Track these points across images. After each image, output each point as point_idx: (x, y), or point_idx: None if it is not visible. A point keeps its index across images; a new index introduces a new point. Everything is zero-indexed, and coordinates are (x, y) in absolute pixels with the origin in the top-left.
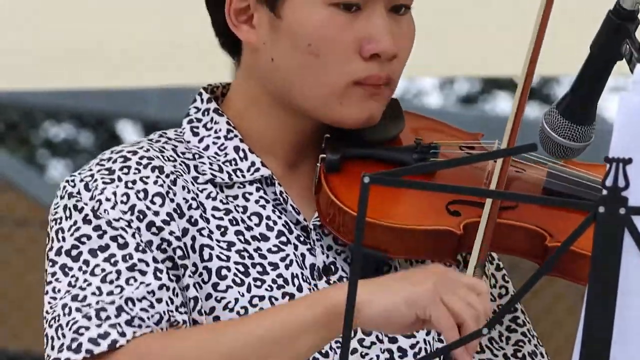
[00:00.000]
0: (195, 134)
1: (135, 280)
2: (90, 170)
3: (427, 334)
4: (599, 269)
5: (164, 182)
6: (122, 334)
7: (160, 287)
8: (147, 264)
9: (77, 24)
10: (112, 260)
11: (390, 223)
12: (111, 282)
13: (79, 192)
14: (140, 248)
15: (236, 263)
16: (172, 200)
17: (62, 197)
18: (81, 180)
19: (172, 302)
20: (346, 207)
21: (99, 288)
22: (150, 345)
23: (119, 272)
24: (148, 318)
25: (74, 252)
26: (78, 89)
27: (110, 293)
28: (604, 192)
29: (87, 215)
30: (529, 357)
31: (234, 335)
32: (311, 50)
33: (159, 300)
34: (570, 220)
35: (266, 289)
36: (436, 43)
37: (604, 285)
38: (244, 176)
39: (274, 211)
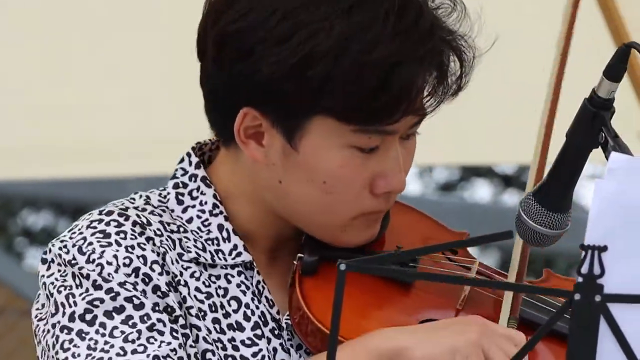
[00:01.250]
0: (180, 202)
1: (156, 339)
2: (82, 233)
3: None
4: (575, 355)
5: (159, 254)
6: None
7: (180, 346)
8: (164, 324)
9: (57, 117)
10: (131, 322)
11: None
12: (133, 341)
13: (74, 258)
14: (157, 308)
15: (215, 350)
16: (167, 273)
17: (58, 264)
18: (73, 245)
19: None
20: (315, 317)
21: (122, 348)
22: None
23: (139, 332)
24: None
25: (89, 317)
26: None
27: (134, 352)
28: (580, 279)
29: (95, 280)
30: None
31: None
32: (326, 188)
33: (181, 359)
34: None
35: None
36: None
37: None
38: (225, 259)
39: (253, 299)
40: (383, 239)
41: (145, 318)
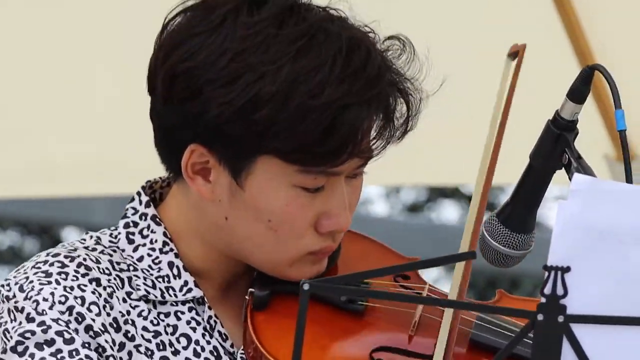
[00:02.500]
0: (131, 242)
1: None
2: (25, 273)
3: None
4: None
5: (101, 295)
6: None
7: None
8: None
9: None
10: (59, 355)
11: None
12: None
13: (14, 295)
14: (87, 346)
15: None
16: (108, 314)
17: (1, 301)
18: (16, 284)
19: None
20: (267, 350)
21: None
22: None
23: None
24: None
25: (20, 348)
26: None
27: None
28: (543, 300)
29: (29, 313)
30: None
31: None
32: (271, 225)
33: None
34: None
35: None
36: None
37: None
38: (176, 295)
39: (204, 335)
40: (336, 269)
41: (73, 353)
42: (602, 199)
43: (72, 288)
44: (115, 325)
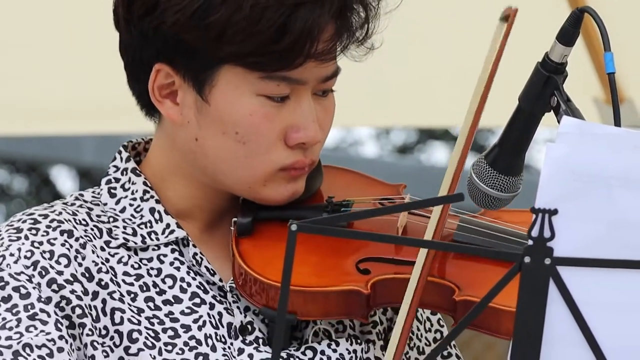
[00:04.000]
0: (113, 195)
1: (36, 328)
2: (0, 231)
3: None
4: (524, 319)
5: (72, 245)
6: None
7: (61, 338)
8: (49, 315)
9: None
10: (14, 310)
11: (296, 286)
12: (10, 328)
13: None
14: (43, 299)
15: (147, 328)
16: (80, 265)
17: None
18: None
19: (71, 355)
20: (255, 272)
21: None
22: None
23: (19, 320)
24: None
25: None
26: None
27: (8, 338)
28: (530, 242)
29: None
30: None
31: None
32: (239, 138)
33: (60, 350)
34: (481, 273)
35: (177, 353)
36: (373, 93)
37: (528, 335)
38: (158, 239)
39: (188, 272)
40: (320, 195)
41: (29, 307)
42: (591, 142)
43: (40, 243)
44: (87, 275)
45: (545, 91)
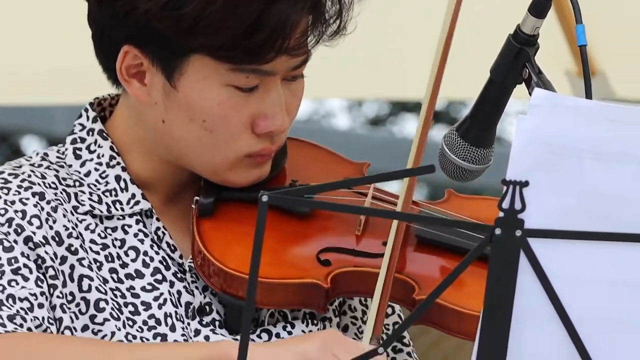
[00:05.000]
0: (78, 157)
1: (17, 283)
2: None
3: None
4: (494, 291)
5: (43, 208)
6: (2, 325)
7: (42, 294)
8: (31, 271)
9: None
10: None
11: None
12: None
13: None
14: (25, 255)
15: (112, 299)
16: (50, 227)
17: None
18: None
19: (50, 312)
20: (214, 258)
21: None
22: (29, 344)
23: (2, 272)
24: (31, 320)
25: None
26: None
27: None
28: (501, 214)
29: None
30: None
31: None
32: (206, 126)
33: (41, 306)
34: (445, 271)
35: (137, 330)
36: (345, 65)
37: (498, 308)
38: (123, 209)
39: (152, 246)
40: (284, 174)
41: (12, 261)
42: (562, 114)
43: (13, 202)
44: (57, 239)
45: (516, 63)
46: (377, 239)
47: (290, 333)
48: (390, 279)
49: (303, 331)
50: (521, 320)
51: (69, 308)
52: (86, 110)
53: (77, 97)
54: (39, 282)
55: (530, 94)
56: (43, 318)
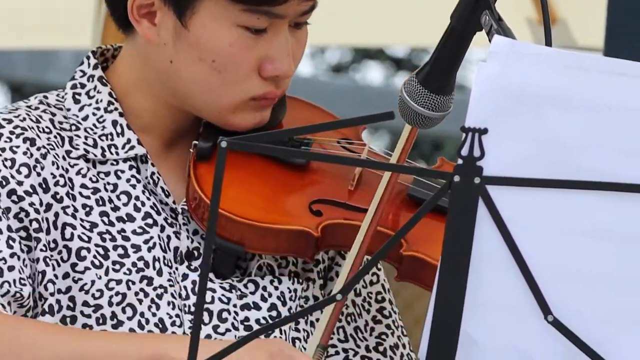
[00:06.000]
0: (77, 102)
1: None
2: None
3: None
4: (452, 239)
5: (33, 154)
6: None
7: (12, 256)
8: (1, 232)
9: None
10: None
11: (248, 220)
12: None
13: None
14: (5, 211)
15: (97, 245)
16: (38, 174)
17: None
18: None
19: (22, 272)
20: (208, 199)
21: None
22: None
23: None
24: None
25: None
26: None
27: None
28: (460, 161)
29: None
30: (390, 350)
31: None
32: (215, 66)
33: (11, 269)
34: (432, 230)
35: (125, 273)
36: None
37: (457, 255)
38: (117, 153)
39: (144, 191)
40: (280, 127)
41: None
42: (521, 62)
43: (3, 150)
44: (44, 186)
45: (477, 10)
46: (368, 194)
47: (276, 288)
48: (372, 231)
49: (289, 288)
50: (479, 267)
51: (52, 256)
52: (88, 57)
53: (39, 41)
54: (10, 242)
55: (490, 42)
56: (13, 280)
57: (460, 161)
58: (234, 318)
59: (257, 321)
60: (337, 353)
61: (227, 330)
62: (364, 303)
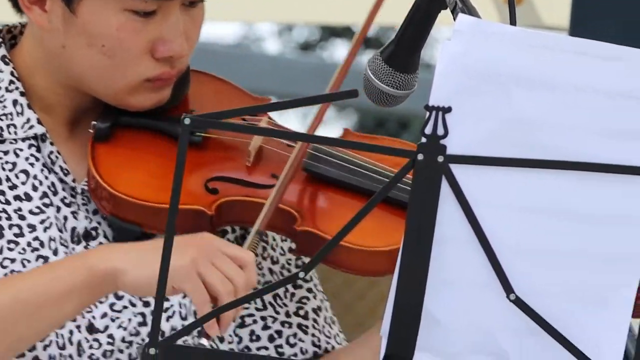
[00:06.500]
0: None
1: None
2: None
3: (183, 297)
4: (415, 218)
5: None
6: None
7: None
8: None
9: None
10: None
11: (142, 201)
12: None
13: None
14: None
15: None
16: None
17: None
18: None
19: None
20: (105, 182)
21: None
22: None
23: None
24: None
25: None
26: None
27: None
28: (423, 139)
29: None
30: (312, 313)
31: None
32: (105, 51)
33: None
34: (334, 206)
35: (19, 252)
36: None
37: (420, 233)
38: (16, 132)
39: (42, 170)
40: (186, 103)
41: None
42: (486, 41)
43: None
44: None
45: None
46: (266, 171)
47: None
48: (275, 205)
49: None
50: (442, 246)
51: None
52: None
53: None
54: None
55: (454, 20)
56: None
57: (423, 139)
58: (132, 294)
59: None
60: (254, 322)
61: (124, 307)
62: (283, 270)
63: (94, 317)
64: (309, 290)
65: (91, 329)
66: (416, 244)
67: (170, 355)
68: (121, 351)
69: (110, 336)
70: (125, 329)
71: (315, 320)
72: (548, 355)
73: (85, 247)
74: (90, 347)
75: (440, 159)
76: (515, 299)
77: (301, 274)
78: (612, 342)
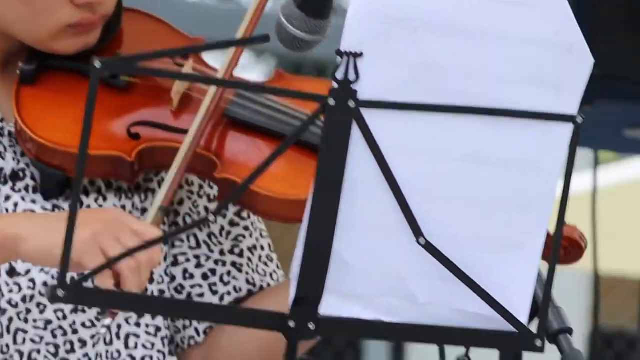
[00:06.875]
0: None
1: None
2: None
3: None
4: (326, 162)
5: None
6: None
7: None
8: None
9: None
10: None
11: (64, 147)
12: None
13: None
14: None
15: None
16: None
17: None
18: None
19: None
20: (27, 126)
21: None
22: None
23: None
24: None
25: None
26: None
27: None
28: (334, 85)
29: None
30: (248, 251)
31: None
32: (23, 0)
33: None
34: (253, 152)
35: None
36: None
37: (330, 177)
38: None
39: None
40: (117, 45)
41: None
42: None
43: None
44: None
45: None
46: (190, 115)
47: (100, 206)
48: (192, 151)
49: (114, 204)
50: (352, 190)
51: None
52: None
53: None
54: None
55: None
56: None
57: (335, 84)
58: (34, 264)
59: None
60: (187, 260)
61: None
62: None
63: (15, 261)
64: (246, 228)
65: (12, 272)
66: (326, 187)
67: (77, 296)
68: (42, 295)
69: (32, 280)
70: (47, 272)
71: (249, 259)
72: (457, 299)
73: (12, 189)
74: (10, 291)
75: (352, 103)
76: (425, 244)
77: (211, 217)
78: (521, 287)
